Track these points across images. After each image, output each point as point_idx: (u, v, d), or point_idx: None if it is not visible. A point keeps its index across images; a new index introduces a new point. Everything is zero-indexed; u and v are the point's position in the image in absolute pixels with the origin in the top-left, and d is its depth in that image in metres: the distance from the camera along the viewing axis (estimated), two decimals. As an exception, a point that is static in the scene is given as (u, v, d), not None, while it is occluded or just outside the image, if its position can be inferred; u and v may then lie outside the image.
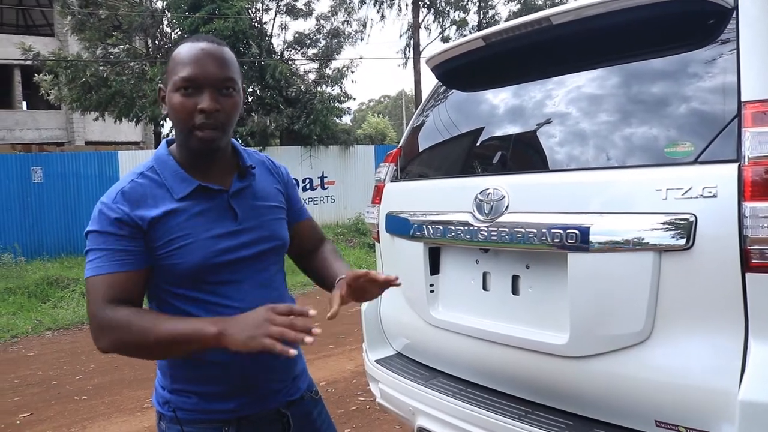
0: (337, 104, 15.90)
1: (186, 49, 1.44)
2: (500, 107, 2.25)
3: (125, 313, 1.37)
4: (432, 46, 22.92)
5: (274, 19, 16.68)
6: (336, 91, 16.33)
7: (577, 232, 1.76)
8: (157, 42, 16.32)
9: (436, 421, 2.19)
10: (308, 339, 1.25)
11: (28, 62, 16.39)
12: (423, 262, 2.33)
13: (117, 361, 5.71)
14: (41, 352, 6.22)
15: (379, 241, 2.72)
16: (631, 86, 1.86)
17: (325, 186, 15.06)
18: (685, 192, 1.59)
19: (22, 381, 5.27)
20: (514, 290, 2.06)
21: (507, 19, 24.12)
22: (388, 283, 1.49)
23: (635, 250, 1.66)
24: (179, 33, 15.64)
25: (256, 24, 15.93)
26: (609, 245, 1.70)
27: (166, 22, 16.38)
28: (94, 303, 1.39)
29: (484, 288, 2.17)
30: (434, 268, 2.35)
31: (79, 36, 15.79)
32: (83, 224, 11.40)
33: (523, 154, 2.11)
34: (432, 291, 2.34)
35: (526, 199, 1.95)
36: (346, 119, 19.52)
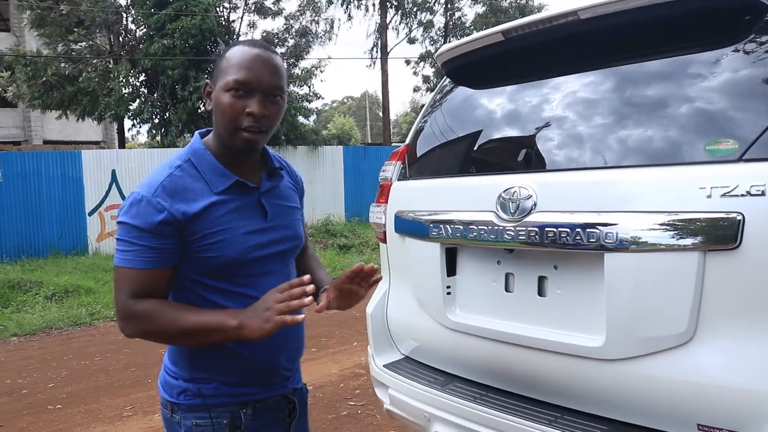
0: (305, 104, 15.76)
1: (242, 53, 1.49)
2: (520, 104, 2.19)
3: (150, 306, 1.45)
4: (399, 47, 22.95)
5: (241, 18, 16.49)
6: (304, 90, 16.20)
7: (615, 231, 1.70)
8: (120, 39, 15.92)
9: (456, 427, 2.12)
10: (306, 300, 1.39)
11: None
12: (439, 263, 2.25)
13: (91, 367, 5.51)
14: (7, 359, 5.96)
15: (385, 242, 2.64)
16: (669, 82, 1.81)
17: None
18: (731, 190, 1.55)
19: (-11, 390, 5.04)
20: (541, 292, 2.00)
21: (474, 22, 24.27)
22: (372, 275, 1.58)
23: (678, 249, 1.61)
24: (144, 30, 15.31)
25: (223, 22, 15.69)
26: (650, 245, 1.65)
27: (130, 19, 16.00)
28: (120, 294, 1.45)
29: (507, 289, 2.10)
30: (451, 270, 2.27)
31: (38, 32, 15.30)
32: (45, 226, 11.15)
33: (551, 151, 2.04)
34: (449, 293, 2.26)
35: (557, 197, 1.89)
36: (311, 120, 19.39)
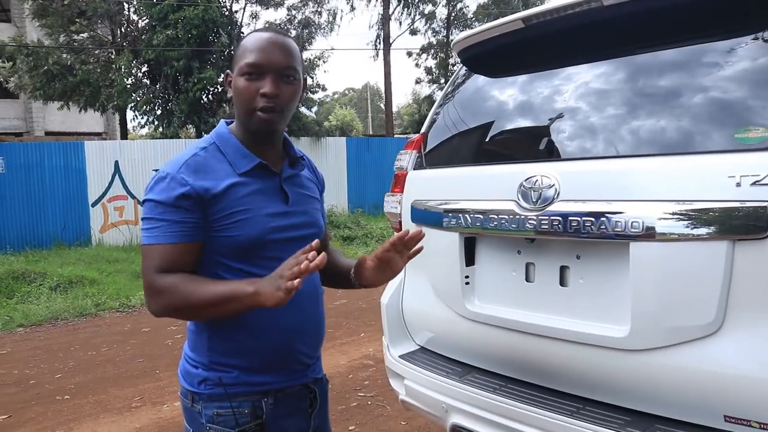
0: (308, 94, 15.71)
1: (253, 38, 1.54)
2: (542, 91, 2.16)
3: (173, 279, 1.45)
4: (402, 38, 22.93)
5: (244, 8, 16.41)
6: (307, 81, 16.16)
7: (641, 220, 1.68)
8: (122, 30, 15.85)
9: (474, 418, 2.11)
10: (314, 262, 1.33)
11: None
12: (458, 253, 2.23)
13: (98, 358, 5.51)
14: (14, 349, 5.95)
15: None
16: (696, 69, 1.78)
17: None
18: (761, 179, 1.52)
19: (-4, 380, 5.03)
20: (563, 282, 1.98)
21: (476, 13, 24.17)
22: (417, 240, 1.62)
23: (706, 239, 1.59)
24: (146, 21, 15.24)
25: (226, 12, 15.61)
26: (677, 234, 1.63)
27: (132, 10, 15.92)
28: (147, 271, 1.47)
29: (527, 279, 2.08)
30: (469, 260, 2.25)
31: (40, 22, 15.24)
32: (48, 217, 11.13)
33: (573, 139, 2.01)
34: (467, 283, 2.25)
35: (580, 186, 1.87)
36: (312, 111, 19.33)
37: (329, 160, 15.48)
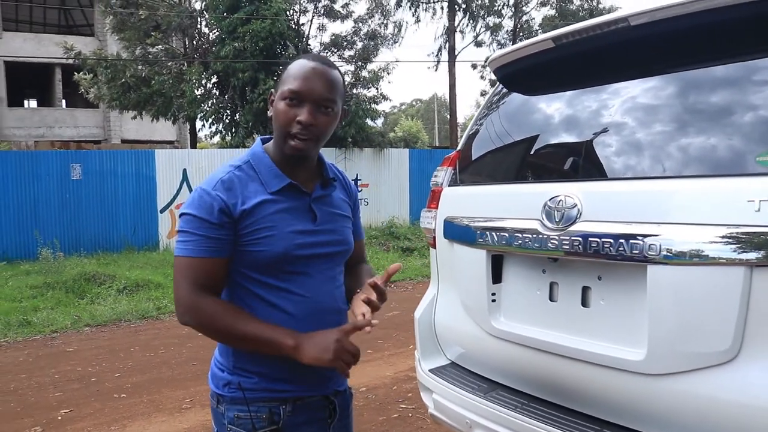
0: (373, 106, 15.87)
1: (299, 65, 1.60)
2: (569, 111, 2.17)
3: (212, 305, 1.55)
4: (467, 50, 22.88)
5: (311, 21, 16.76)
6: (372, 92, 16.34)
7: (659, 243, 1.67)
8: (194, 42, 16.46)
9: (496, 435, 2.12)
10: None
11: (69, 61, 16.70)
12: (485, 270, 2.25)
13: (155, 359, 5.73)
14: (80, 347, 6.27)
15: (435, 247, 2.65)
16: (718, 91, 1.76)
17: (359, 189, 15.02)
18: (782, 204, 1.49)
19: (62, 376, 5.31)
20: (584, 302, 1.97)
21: (541, 25, 23.92)
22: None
23: (723, 264, 1.57)
24: (217, 33, 15.77)
25: (293, 25, 15.99)
26: (694, 258, 1.61)
27: (203, 23, 16.52)
28: (182, 283, 1.55)
29: (551, 299, 2.08)
30: (496, 277, 2.27)
31: (119, 36, 16.02)
32: (119, 222, 11.62)
33: (597, 160, 2.01)
34: (494, 300, 2.26)
35: (601, 207, 1.86)
36: (378, 122, 19.50)
37: (392, 171, 15.58)
